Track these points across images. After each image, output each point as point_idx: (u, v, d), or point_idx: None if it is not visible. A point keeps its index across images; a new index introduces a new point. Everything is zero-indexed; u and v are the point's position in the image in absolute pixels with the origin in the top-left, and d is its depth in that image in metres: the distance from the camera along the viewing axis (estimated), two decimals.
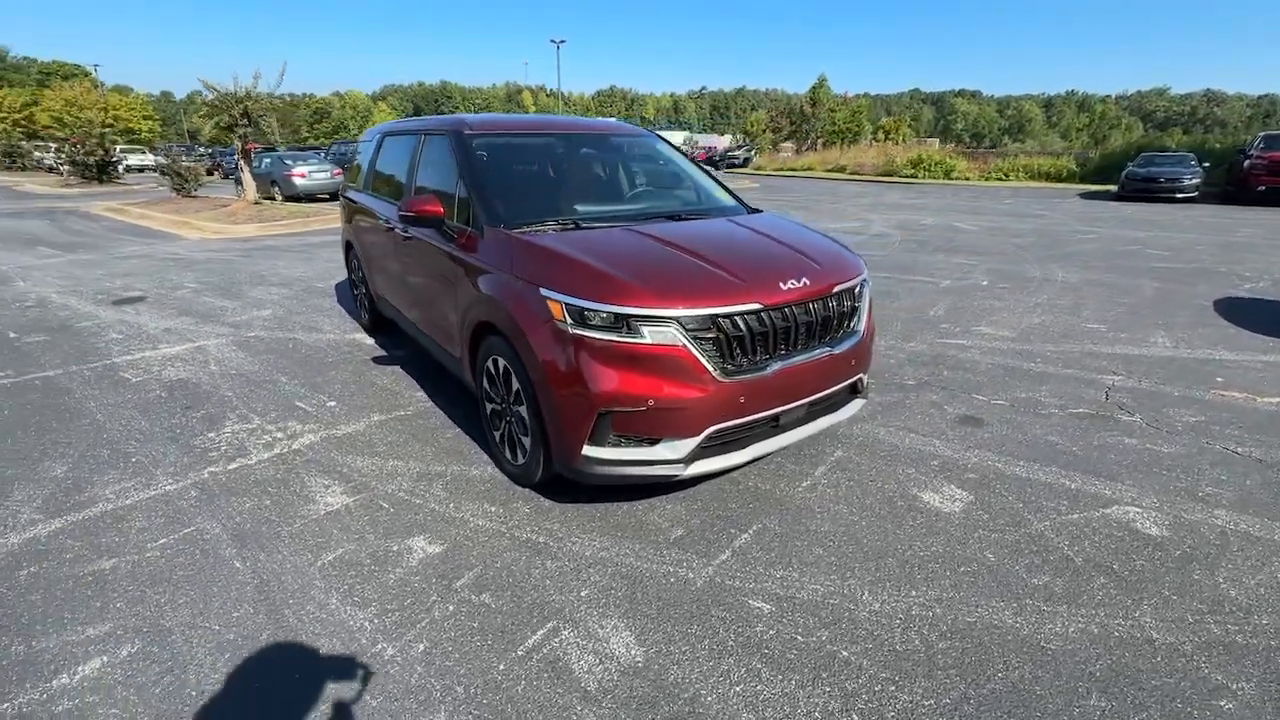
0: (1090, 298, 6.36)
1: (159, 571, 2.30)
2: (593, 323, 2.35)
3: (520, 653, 1.94)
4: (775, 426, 2.66)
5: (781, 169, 35.02)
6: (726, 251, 2.80)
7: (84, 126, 26.87)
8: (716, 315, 2.38)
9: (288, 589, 2.21)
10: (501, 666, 1.89)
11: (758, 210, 3.69)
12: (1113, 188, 18.85)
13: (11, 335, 5.21)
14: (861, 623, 2.07)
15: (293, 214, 13.40)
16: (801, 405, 2.69)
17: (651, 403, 2.34)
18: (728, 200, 3.81)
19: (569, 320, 2.39)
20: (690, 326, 2.35)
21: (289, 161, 17.44)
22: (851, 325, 2.86)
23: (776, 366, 2.51)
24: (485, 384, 3.01)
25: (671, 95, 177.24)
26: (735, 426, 2.50)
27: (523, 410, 2.69)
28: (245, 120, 13.19)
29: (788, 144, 45.67)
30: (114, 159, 23.54)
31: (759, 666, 1.89)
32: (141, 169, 32.78)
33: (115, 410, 3.72)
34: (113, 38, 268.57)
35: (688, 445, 2.41)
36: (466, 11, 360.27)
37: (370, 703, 1.76)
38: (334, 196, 18.49)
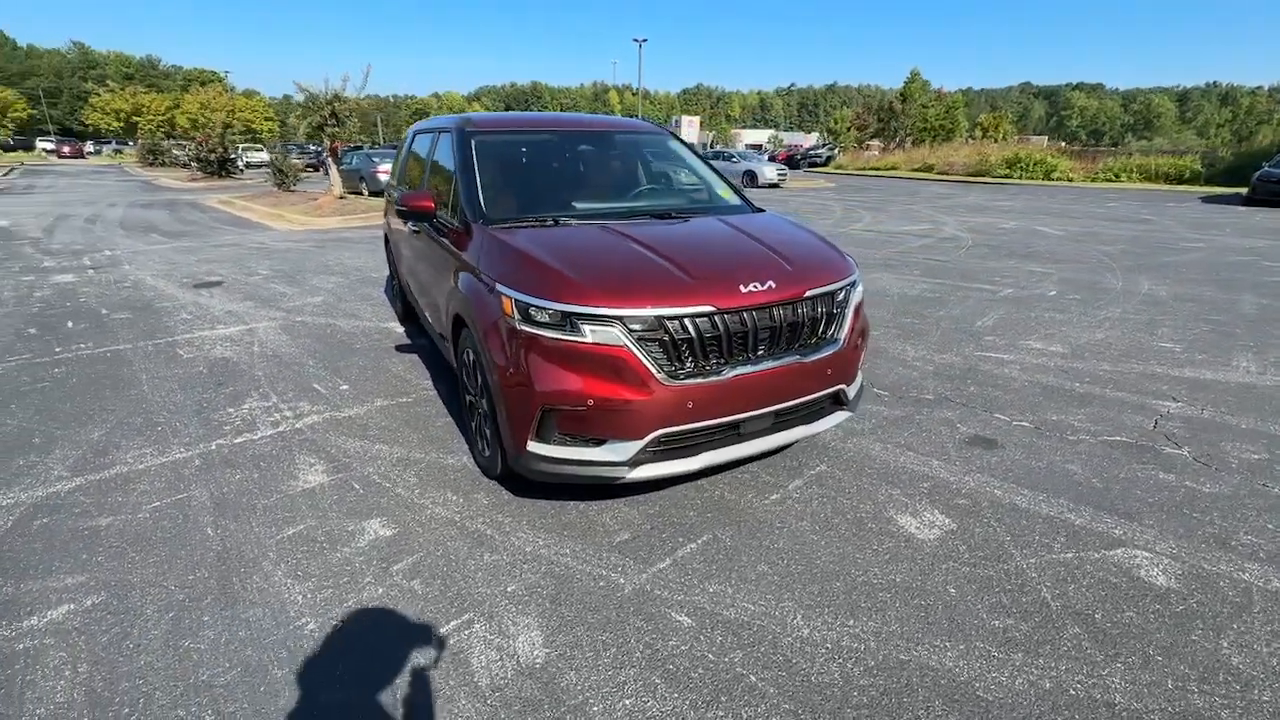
0: (1173, 314, 5.67)
1: (143, 532, 2.52)
2: (538, 319, 2.35)
3: (420, 620, 1.97)
4: (736, 434, 2.56)
5: (864, 168, 33.64)
6: (695, 252, 2.72)
7: (210, 127, 29.78)
8: (664, 317, 2.31)
9: (244, 558, 2.36)
10: (404, 653, 1.92)
11: (759, 210, 3.57)
12: (1243, 190, 16.74)
13: (103, 312, 5.87)
14: (783, 648, 1.95)
15: (372, 208, 14.26)
16: (767, 414, 2.56)
17: (592, 402, 2.30)
18: (730, 199, 3.70)
19: (517, 316, 2.40)
20: (635, 327, 2.29)
21: (375, 159, 18.55)
22: (829, 333, 2.69)
23: (734, 372, 2.41)
24: (464, 375, 3.09)
25: (758, 93, 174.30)
26: (686, 432, 2.42)
27: (484, 403, 2.73)
28: (333, 120, 14.18)
29: (875, 142, 43.75)
30: (232, 156, 25.98)
31: (657, 682, 1.82)
32: (260, 165, 35.99)
33: (160, 383, 4.10)
34: (245, 45, 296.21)
35: (632, 448, 2.36)
36: (558, 13, 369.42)
37: (276, 673, 1.85)
38: None
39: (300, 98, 14.37)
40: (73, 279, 7.33)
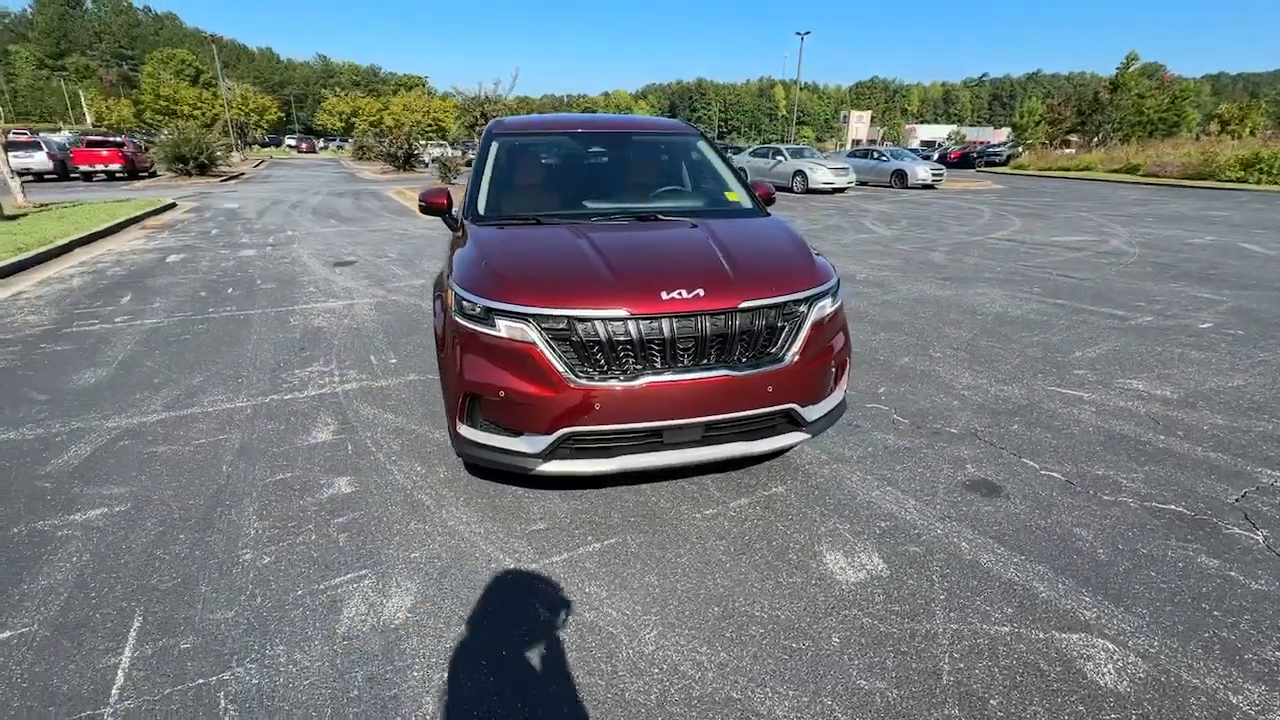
0: None
1: (180, 462, 3.11)
2: (468, 312, 2.51)
3: (320, 586, 2.24)
4: (658, 442, 2.53)
5: (1048, 168, 29.54)
6: (638, 256, 2.72)
7: (401, 126, 34.14)
8: (575, 318, 2.35)
9: (234, 494, 2.83)
10: (298, 593, 2.21)
11: (765, 215, 3.43)
12: None
13: (257, 282, 7.13)
14: (619, 660, 1.93)
15: None
16: (693, 425, 2.50)
17: (503, 394, 2.42)
18: (739, 203, 3.61)
19: (454, 308, 2.58)
20: (545, 326, 2.36)
21: None
22: (771, 348, 2.54)
23: (648, 379, 2.39)
24: None
25: (942, 85, 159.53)
26: (599, 433, 2.45)
27: None
28: (484, 120, 15.63)
29: (1073, 137, 38.02)
30: (416, 151, 29.57)
31: (484, 664, 1.91)
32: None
33: (261, 344, 4.94)
34: (444, 52, 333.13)
35: (542, 442, 2.44)
36: (726, 8, 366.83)
37: (201, 589, 2.23)
38: None
39: (458, 100, 16.00)
40: (253, 253, 8.95)
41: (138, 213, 12.88)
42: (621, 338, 2.36)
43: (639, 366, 2.40)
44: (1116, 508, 2.71)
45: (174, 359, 4.58)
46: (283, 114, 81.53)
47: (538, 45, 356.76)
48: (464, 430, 2.60)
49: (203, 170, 25.63)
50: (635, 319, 2.36)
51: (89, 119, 65.44)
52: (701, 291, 2.43)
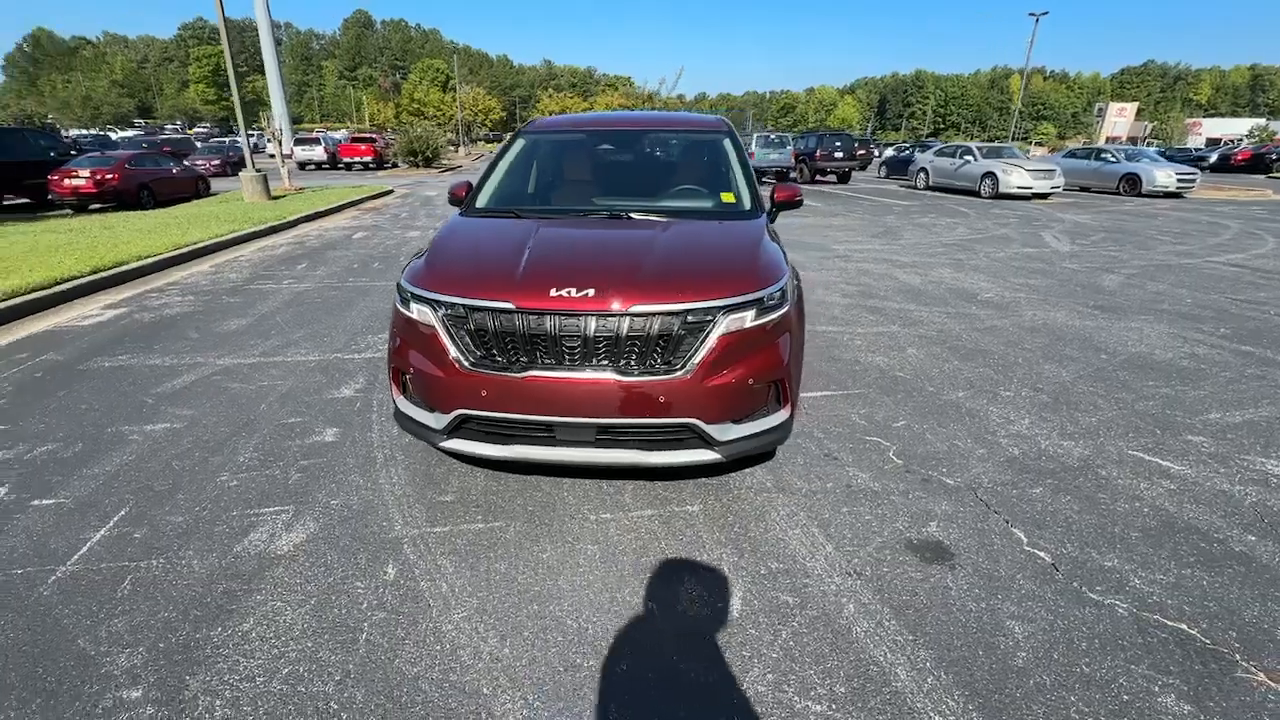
0: None
1: (240, 397, 3.85)
2: (401, 295, 2.77)
3: (250, 511, 2.66)
4: (550, 437, 2.56)
5: None
6: (563, 253, 2.78)
7: None
8: (469, 306, 2.48)
9: (252, 428, 3.44)
10: (233, 513, 2.66)
11: (754, 219, 3.21)
12: None
13: (400, 259, 8.30)
14: (417, 630, 2.04)
15: None
16: (587, 425, 2.49)
17: (413, 372, 2.64)
18: (735, 204, 3.42)
19: (398, 293, 2.86)
20: (445, 312, 2.52)
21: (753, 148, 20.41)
22: (669, 357, 2.41)
23: (532, 373, 2.43)
24: None
25: (1250, 68, 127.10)
26: (491, 419, 2.56)
27: None
28: None
29: None
30: None
31: (313, 598, 2.15)
32: None
33: (361, 312, 5.80)
34: (651, 51, 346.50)
35: (444, 420, 2.62)
36: None
37: (178, 497, 2.79)
38: None
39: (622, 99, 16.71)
40: (415, 234, 10.39)
41: (359, 196, 15.63)
42: (504, 329, 2.43)
43: (525, 360, 2.45)
44: (1094, 610, 2.12)
45: (296, 317, 5.59)
46: (506, 114, 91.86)
47: (744, 41, 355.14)
48: (399, 401, 2.88)
49: (428, 163, 30.06)
50: (522, 313, 2.42)
51: (366, 120, 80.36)
52: (591, 291, 2.40)
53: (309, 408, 3.70)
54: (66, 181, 13.28)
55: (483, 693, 1.81)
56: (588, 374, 2.41)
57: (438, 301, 2.54)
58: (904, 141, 48.39)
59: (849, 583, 2.26)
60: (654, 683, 1.85)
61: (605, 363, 2.42)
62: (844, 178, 22.63)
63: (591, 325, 2.38)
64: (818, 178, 23.12)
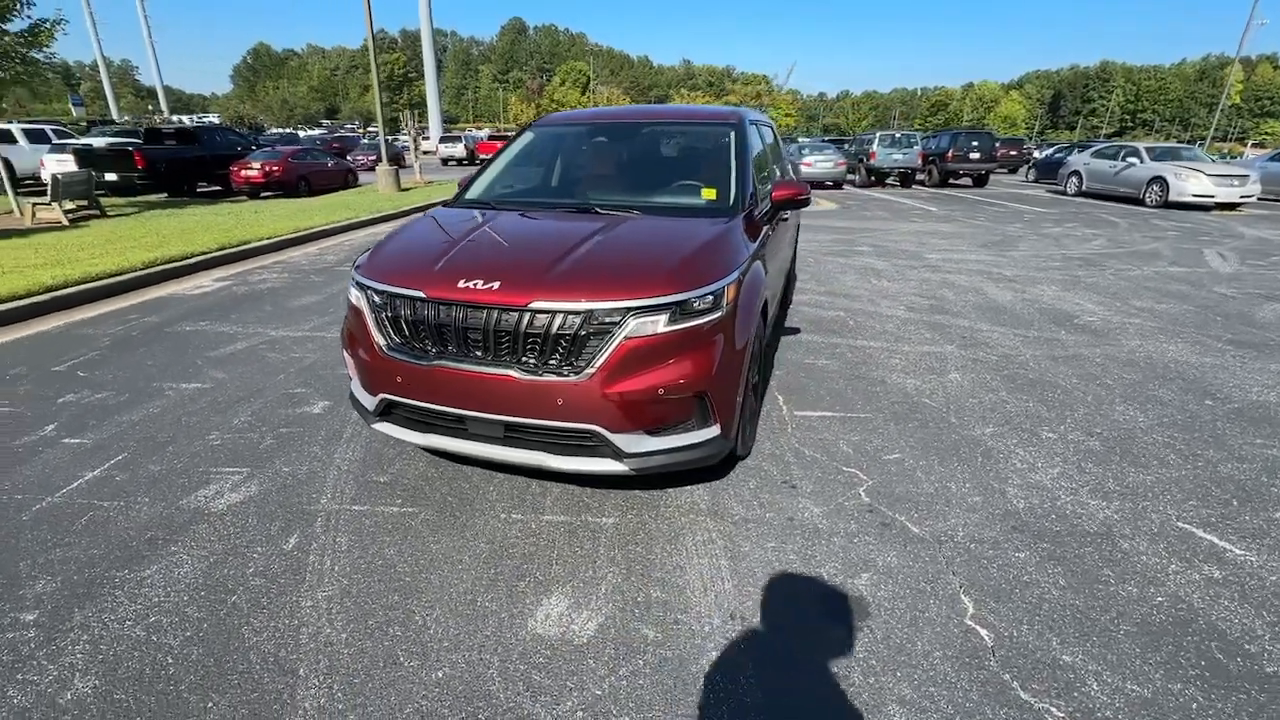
0: None
1: (268, 365, 4.24)
2: (353, 279, 2.87)
3: (214, 469, 2.91)
4: (462, 429, 2.54)
5: None
6: (496, 245, 2.74)
7: None
8: (390, 294, 2.51)
9: (261, 394, 3.76)
10: (200, 469, 2.92)
11: (719, 216, 2.98)
12: None
13: None
14: (279, 602, 2.12)
15: None
16: (493, 421, 2.44)
17: (353, 353, 2.73)
18: (706, 202, 3.20)
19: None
20: (370, 298, 2.58)
21: (805, 151, 19.51)
22: (570, 358, 2.29)
23: (440, 364, 2.42)
24: None
25: None
26: (409, 406, 2.59)
27: None
28: None
29: None
30: None
31: (217, 552, 2.31)
32: None
33: None
34: (808, 48, 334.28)
35: (373, 402, 2.69)
36: None
37: (169, 449, 3.12)
38: (836, 185, 19.71)
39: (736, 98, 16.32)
40: None
41: None
42: (419, 318, 2.44)
43: (435, 350, 2.45)
44: (1013, 714, 1.70)
45: None
46: None
47: (894, 36, 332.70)
48: (352, 384, 3.01)
49: None
50: (430, 302, 2.41)
51: (510, 119, 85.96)
52: (496, 285, 2.34)
53: (318, 381, 3.98)
54: (242, 172, 15.50)
55: (298, 674, 1.83)
56: (491, 369, 2.35)
57: (367, 286, 2.61)
58: (1071, 141, 42.79)
59: (726, 626, 2.01)
60: (458, 696, 1.75)
61: (508, 359, 2.35)
62: (980, 181, 20.44)
63: (493, 319, 2.32)
64: (950, 181, 21.14)
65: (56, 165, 14.40)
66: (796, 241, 5.71)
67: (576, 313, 2.27)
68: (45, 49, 11.62)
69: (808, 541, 2.43)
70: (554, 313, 2.28)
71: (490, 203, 3.36)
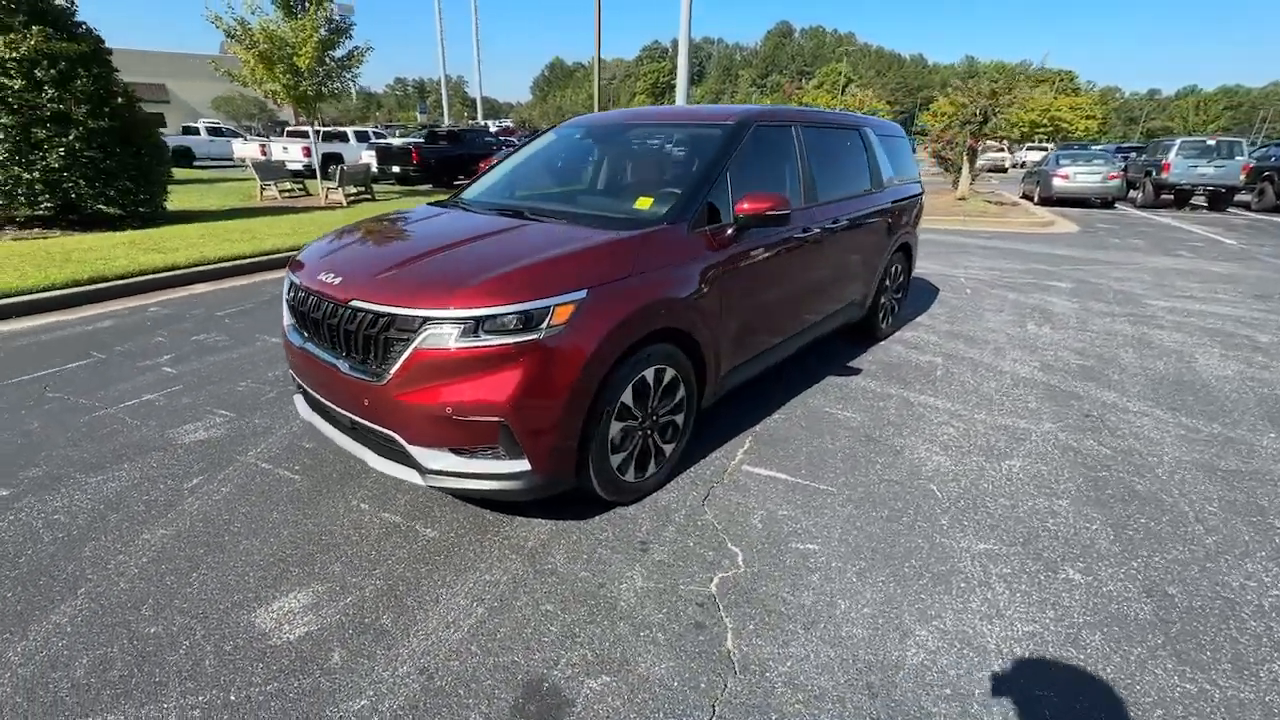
0: None
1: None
2: None
3: (213, 410, 3.51)
4: (330, 416, 2.67)
5: None
6: (381, 242, 2.80)
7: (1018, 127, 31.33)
8: (291, 281, 2.74)
9: (269, 359, 4.42)
10: (193, 410, 3.54)
11: (638, 228, 2.64)
12: None
13: None
14: (112, 553, 2.49)
15: (988, 213, 12.97)
16: (344, 414, 2.54)
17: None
18: (638, 212, 2.85)
19: None
20: (290, 284, 2.83)
21: (1063, 160, 16.01)
22: (379, 360, 2.25)
23: (304, 345, 2.59)
24: None
25: None
26: (301, 385, 2.81)
27: None
28: (982, 120, 13.27)
29: None
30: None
31: (135, 487, 2.80)
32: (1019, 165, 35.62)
33: None
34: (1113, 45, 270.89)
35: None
36: None
37: (158, 392, 3.85)
38: (1106, 204, 16.00)
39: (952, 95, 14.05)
40: None
41: None
42: (293, 302, 2.64)
43: (304, 336, 2.62)
44: None
45: None
46: (903, 116, 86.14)
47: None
48: None
49: None
50: (299, 288, 2.58)
51: None
52: (339, 280, 2.41)
53: None
54: (485, 166, 18.23)
55: (78, 591, 2.13)
56: (328, 358, 2.45)
57: (292, 274, 2.88)
58: None
59: (409, 678, 1.80)
60: (143, 655, 1.87)
61: (340, 352, 2.41)
62: None
63: (327, 311, 2.40)
64: None
65: (368, 158, 18.66)
66: (889, 265, 4.76)
67: (381, 315, 2.23)
68: (355, 70, 14.97)
69: (590, 617, 2.05)
70: (365, 312, 2.27)
71: (460, 202, 3.44)
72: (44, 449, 3.04)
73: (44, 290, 5.49)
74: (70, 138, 8.71)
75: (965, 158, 14.70)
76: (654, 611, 2.08)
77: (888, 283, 4.81)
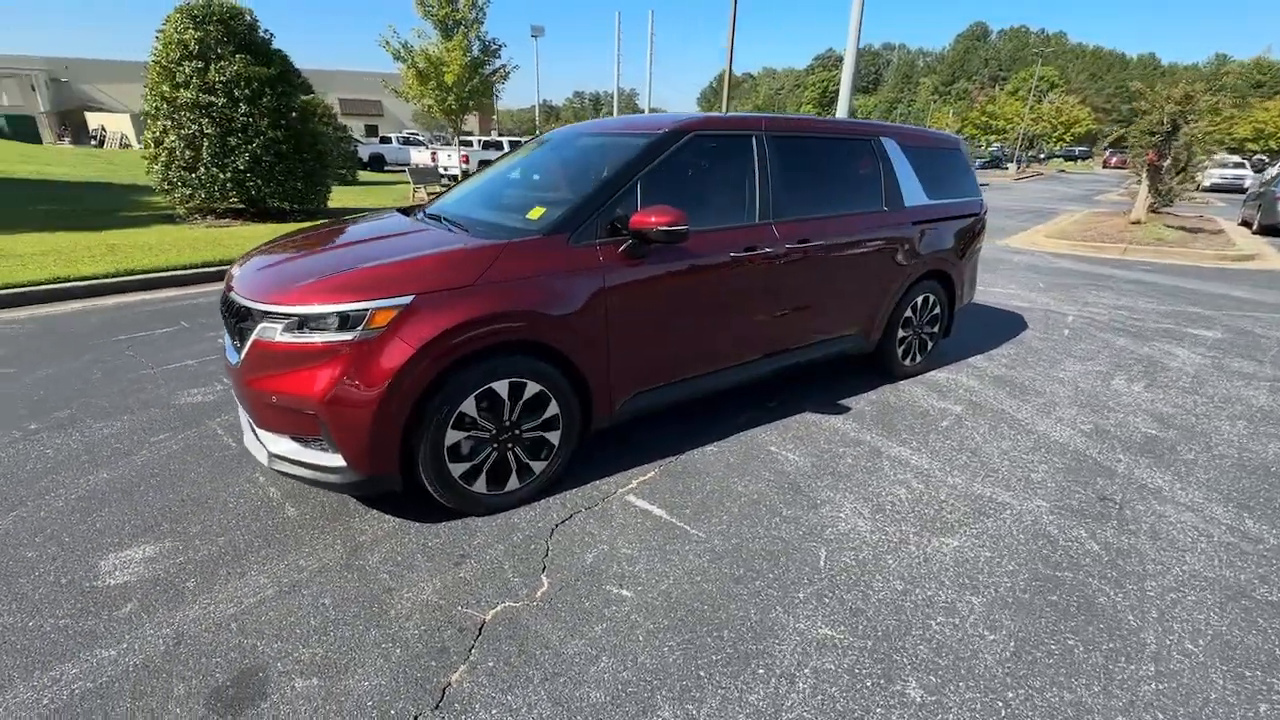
0: None
1: None
2: None
3: (217, 380, 4.06)
4: None
5: None
6: (312, 245, 3.00)
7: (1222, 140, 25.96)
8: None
9: None
10: (166, 381, 4.11)
11: (514, 235, 2.62)
12: None
13: None
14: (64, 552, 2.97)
15: (1164, 241, 10.75)
16: None
17: None
18: (529, 221, 2.80)
19: None
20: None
21: None
22: (238, 346, 2.47)
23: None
24: None
25: None
26: None
27: None
28: (1170, 129, 10.92)
29: None
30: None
31: (107, 444, 3.34)
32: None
33: None
34: None
35: None
36: None
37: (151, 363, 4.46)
38: None
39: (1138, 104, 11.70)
40: None
41: None
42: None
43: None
44: None
45: None
46: (1098, 125, 74.25)
47: None
48: None
49: None
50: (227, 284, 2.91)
51: None
52: (238, 272, 2.69)
53: None
54: None
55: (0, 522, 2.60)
56: (235, 340, 2.73)
57: None
58: None
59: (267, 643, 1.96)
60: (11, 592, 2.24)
61: (232, 339, 2.67)
62: None
63: (226, 297, 2.66)
64: None
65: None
66: (912, 295, 4.16)
67: (240, 307, 2.45)
68: (499, 86, 16.38)
69: (351, 619, 2.06)
70: (235, 304, 2.50)
71: (416, 209, 3.62)
72: (87, 396, 3.74)
73: (196, 267, 6.77)
74: (254, 145, 10.54)
75: (1144, 175, 12.28)
76: (414, 627, 2.04)
77: (910, 315, 4.21)
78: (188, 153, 10.35)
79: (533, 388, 2.59)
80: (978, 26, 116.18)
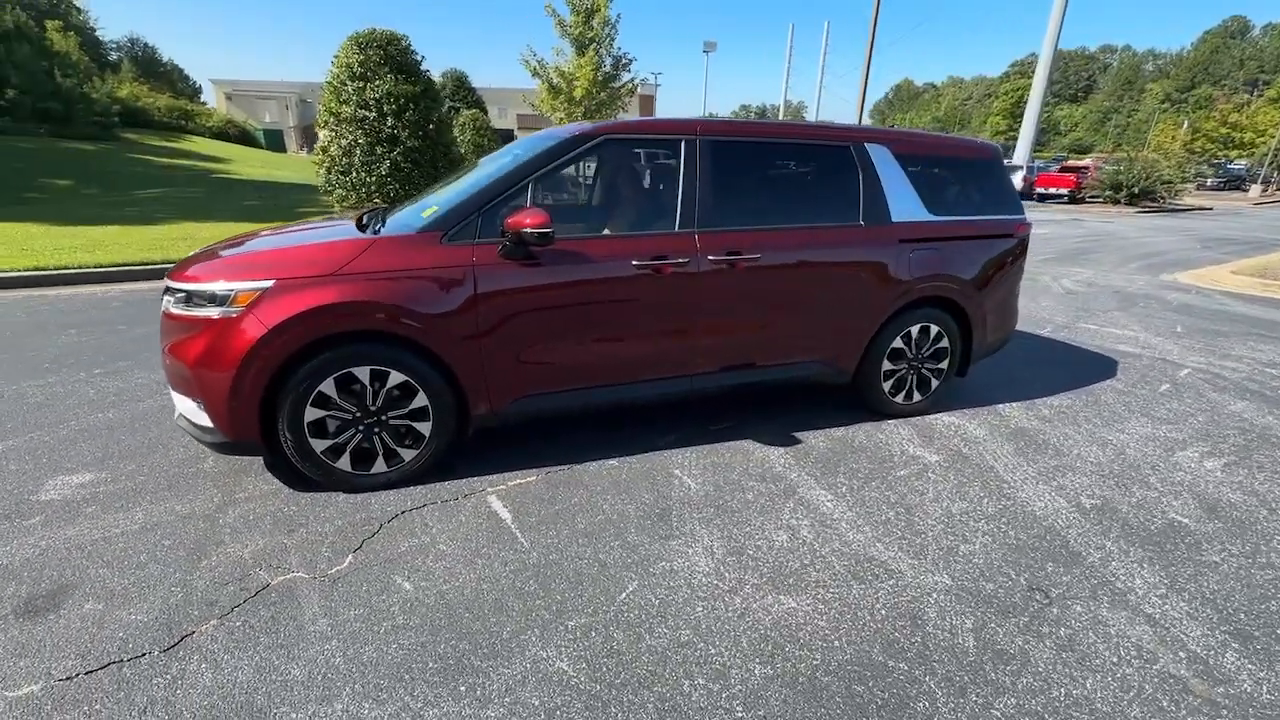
0: None
1: None
2: None
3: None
4: None
5: None
6: (262, 239, 3.35)
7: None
8: None
9: None
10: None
11: (396, 233, 2.78)
12: None
13: None
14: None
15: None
16: None
17: None
18: (422, 219, 2.92)
19: None
20: None
21: None
22: None
23: None
24: None
25: None
26: None
27: None
28: None
29: None
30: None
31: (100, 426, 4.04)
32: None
33: None
34: None
35: None
36: None
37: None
38: None
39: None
40: None
41: None
42: None
43: None
44: None
45: None
46: None
47: None
48: None
49: (1134, 199, 24.12)
50: None
51: (1148, 147, 66.82)
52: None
53: None
54: None
55: None
56: None
57: None
58: None
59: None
60: None
61: None
62: None
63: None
64: None
65: None
66: (903, 325, 3.63)
67: (186, 292, 2.81)
68: (625, 100, 16.98)
69: (168, 556, 2.32)
70: (172, 290, 2.90)
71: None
72: (129, 358, 4.53)
73: None
74: (395, 153, 12.04)
75: None
76: (209, 579, 2.24)
77: (902, 346, 3.68)
78: (344, 159, 12.08)
79: (396, 377, 2.71)
80: (1235, 21, 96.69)
